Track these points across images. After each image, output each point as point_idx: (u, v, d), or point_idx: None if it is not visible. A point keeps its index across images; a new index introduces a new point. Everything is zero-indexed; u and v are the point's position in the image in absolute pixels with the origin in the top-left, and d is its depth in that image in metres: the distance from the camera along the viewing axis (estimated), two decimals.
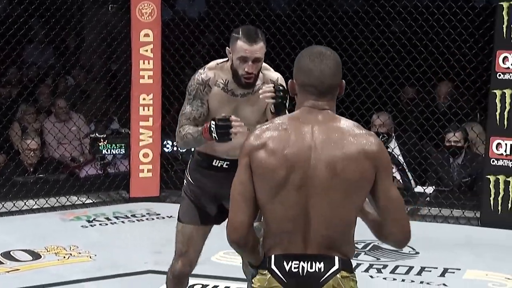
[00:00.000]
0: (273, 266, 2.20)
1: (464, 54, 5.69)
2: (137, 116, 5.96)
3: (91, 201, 5.93)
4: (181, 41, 6.26)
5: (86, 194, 5.96)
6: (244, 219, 2.19)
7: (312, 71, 2.18)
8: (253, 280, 2.24)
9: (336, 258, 2.20)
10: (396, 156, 6.13)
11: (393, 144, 6.20)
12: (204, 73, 3.19)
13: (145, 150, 5.99)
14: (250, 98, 3.16)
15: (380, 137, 6.10)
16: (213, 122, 3.05)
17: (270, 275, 2.20)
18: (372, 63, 5.93)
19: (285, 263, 2.19)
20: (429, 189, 5.94)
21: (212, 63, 3.22)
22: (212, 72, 3.18)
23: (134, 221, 5.50)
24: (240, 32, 3.09)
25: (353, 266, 2.26)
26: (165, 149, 6.18)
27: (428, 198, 5.85)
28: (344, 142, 2.16)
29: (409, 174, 6.13)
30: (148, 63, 5.94)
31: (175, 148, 6.35)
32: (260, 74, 3.16)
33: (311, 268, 2.19)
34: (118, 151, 6.17)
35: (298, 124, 2.19)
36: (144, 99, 5.94)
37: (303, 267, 2.19)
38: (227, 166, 3.20)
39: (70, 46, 6.16)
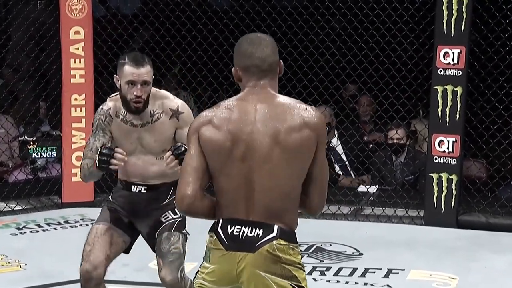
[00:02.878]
0: (219, 229, 2.44)
1: (405, 49, 5.79)
2: (69, 117, 5.89)
3: (21, 208, 5.83)
4: (114, 38, 6.21)
5: (16, 200, 5.86)
6: (190, 190, 2.44)
7: (253, 53, 2.46)
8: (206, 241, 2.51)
9: (276, 227, 2.41)
10: (339, 154, 6.20)
11: (335, 141, 6.27)
12: (105, 104, 3.42)
13: (78, 153, 5.90)
14: (151, 128, 3.33)
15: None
16: (98, 153, 3.25)
17: (215, 237, 2.45)
18: (312, 60, 5.97)
19: (229, 227, 2.43)
20: (372, 188, 6.03)
21: (115, 94, 3.44)
22: (113, 102, 3.40)
23: (67, 228, 5.44)
24: (127, 58, 3.33)
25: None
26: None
27: (371, 198, 5.93)
28: (286, 115, 2.40)
29: (351, 172, 6.21)
30: (80, 62, 5.88)
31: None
32: (160, 102, 3.37)
33: (250, 233, 2.42)
34: (49, 154, 6.09)
35: (241, 102, 2.45)
36: (75, 99, 5.88)
37: (243, 232, 2.42)
38: (145, 191, 3.42)
39: None
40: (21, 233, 5.28)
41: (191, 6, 6.19)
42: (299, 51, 6.01)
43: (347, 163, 6.21)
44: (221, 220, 2.45)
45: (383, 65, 5.79)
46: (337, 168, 6.23)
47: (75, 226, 5.47)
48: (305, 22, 5.97)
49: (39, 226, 5.44)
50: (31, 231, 5.32)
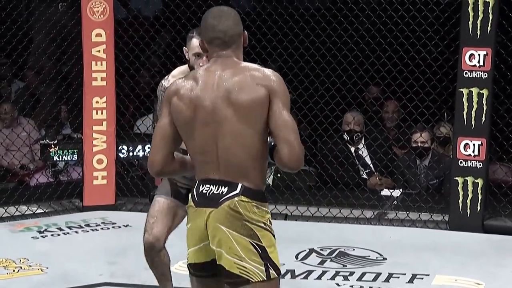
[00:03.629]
0: (194, 189, 2.71)
1: (430, 51, 5.75)
2: (90, 120, 5.91)
3: (42, 211, 5.86)
4: (136, 41, 6.22)
5: (37, 204, 5.89)
6: (159, 156, 2.73)
7: (215, 26, 2.68)
8: None
9: (240, 185, 2.62)
10: (363, 158, 6.18)
11: (361, 145, 6.26)
12: (166, 80, 3.66)
13: (99, 156, 5.94)
14: None
15: (355, 136, 6.18)
16: None
17: (190, 196, 2.72)
18: (335, 62, 5.95)
19: (201, 186, 2.68)
20: (396, 192, 6.00)
21: (175, 71, 3.70)
22: (173, 79, 3.53)
23: (88, 231, 5.45)
24: (195, 32, 3.59)
25: (264, 196, 2.66)
26: (120, 154, 6.14)
27: (395, 202, 5.89)
28: (240, 77, 2.63)
29: (376, 174, 6.18)
30: (101, 65, 5.90)
31: (130, 154, 6.31)
32: None
33: (216, 190, 2.65)
34: (70, 157, 6.10)
35: (205, 72, 2.70)
36: (97, 102, 5.90)
37: (211, 189, 2.66)
38: None
39: (17, 47, 6.07)
40: (42, 236, 5.31)
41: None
42: (321, 53, 6.00)
43: (371, 166, 6.19)
44: (197, 182, 2.71)
45: (407, 67, 5.75)
46: (362, 173, 6.20)
47: (96, 230, 5.48)
48: (328, 23, 5.95)
49: (60, 229, 5.46)
50: (52, 235, 5.35)
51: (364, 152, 6.26)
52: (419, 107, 5.81)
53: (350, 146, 6.27)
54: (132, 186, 6.06)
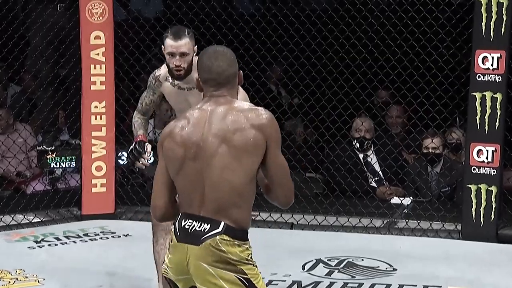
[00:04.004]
0: (176, 223, 2.80)
1: (442, 54, 5.74)
2: (89, 125, 5.90)
3: (39, 220, 5.84)
4: (136, 43, 6.22)
5: (34, 212, 5.87)
6: (162, 202, 2.87)
7: (210, 68, 2.82)
8: None
9: (222, 223, 2.72)
10: (372, 165, 6.16)
11: (370, 151, 6.24)
12: (158, 70, 4.09)
13: (98, 163, 5.93)
14: (196, 92, 3.60)
15: (366, 143, 6.17)
16: (134, 144, 4.09)
17: (173, 229, 2.82)
18: (343, 65, 5.95)
19: (183, 221, 2.78)
20: (407, 200, 5.98)
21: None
22: (165, 69, 4.03)
23: (87, 241, 5.44)
24: (169, 31, 3.91)
25: (247, 236, 2.75)
26: (120, 161, 6.14)
27: (405, 210, 5.87)
28: (234, 116, 2.75)
29: (385, 184, 6.17)
30: (100, 68, 5.89)
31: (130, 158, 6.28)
32: None
33: (199, 227, 2.74)
34: (68, 164, 6.10)
35: (198, 110, 2.83)
36: (96, 107, 5.89)
37: (193, 226, 2.75)
38: None
39: (13, 50, 6.07)
40: (39, 246, 5.29)
41: (216, 10, 6.18)
42: (329, 56, 5.99)
43: (380, 173, 6.17)
44: (179, 215, 2.81)
45: (418, 70, 5.74)
46: (371, 181, 6.19)
47: (95, 239, 5.47)
48: (335, 25, 5.94)
49: (57, 239, 5.45)
50: (49, 245, 5.33)
51: (373, 158, 6.25)
52: (430, 112, 5.80)
53: (358, 153, 6.25)
54: (132, 194, 6.04)
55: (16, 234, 5.56)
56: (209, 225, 2.73)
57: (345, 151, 6.17)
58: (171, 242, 2.81)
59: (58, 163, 6.08)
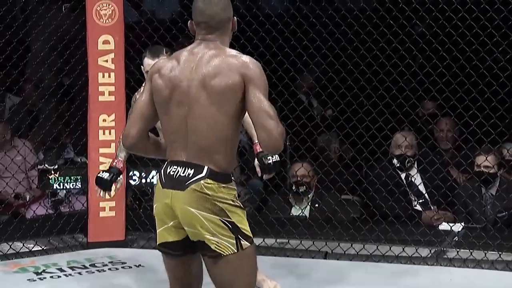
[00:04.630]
0: (161, 170, 3.25)
1: (496, 60, 5.69)
2: (96, 141, 5.90)
3: (39, 248, 5.85)
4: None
5: (34, 240, 5.88)
6: (135, 130, 3.31)
7: (203, 11, 3.21)
8: None
9: (205, 168, 3.16)
10: (417, 186, 6.11)
11: (413, 170, 6.20)
12: (140, 90, 4.33)
13: None
14: None
15: (407, 161, 6.13)
16: (110, 168, 4.51)
17: (157, 176, 3.28)
18: (383, 72, 5.91)
19: (168, 167, 3.22)
20: (457, 227, 5.92)
21: None
22: None
23: (93, 272, 5.42)
24: (147, 51, 4.46)
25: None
26: (131, 181, 6.15)
27: (456, 238, 5.82)
28: (218, 62, 3.14)
29: (432, 207, 6.12)
30: (109, 76, 5.90)
31: (143, 180, 6.31)
32: None
33: (183, 173, 3.18)
34: (73, 185, 6.12)
35: (188, 53, 3.23)
36: (104, 120, 5.90)
37: (178, 171, 3.19)
38: None
39: (11, 56, 6.10)
40: (40, 278, 5.28)
41: (239, 10, 6.18)
42: (367, 62, 5.96)
43: (426, 195, 6.13)
44: (166, 162, 3.25)
45: (469, 78, 5.69)
46: (415, 203, 6.14)
47: (103, 271, 5.45)
48: (375, 27, 5.91)
49: (61, 270, 5.44)
50: (51, 276, 5.32)
51: (417, 179, 6.21)
52: (484, 125, 5.74)
53: (400, 172, 6.21)
54: (145, 219, 6.02)
55: (14, 264, 5.56)
56: (192, 170, 3.17)
57: (386, 170, 6.13)
58: (155, 189, 3.26)
59: (61, 184, 6.10)
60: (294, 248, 5.76)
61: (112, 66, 5.89)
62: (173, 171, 3.20)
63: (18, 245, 5.80)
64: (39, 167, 6.32)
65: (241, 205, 3.21)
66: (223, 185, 3.17)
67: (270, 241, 5.83)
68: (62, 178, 6.10)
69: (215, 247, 3.17)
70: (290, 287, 5.00)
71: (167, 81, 3.21)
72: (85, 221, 5.99)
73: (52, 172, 6.09)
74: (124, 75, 5.92)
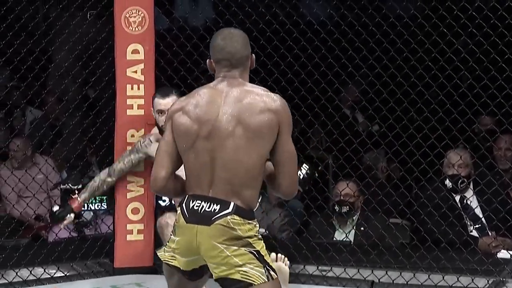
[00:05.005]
0: (183, 204, 3.44)
1: None
2: None
3: (62, 274, 5.87)
4: (181, 58, 6.22)
5: (56, 265, 5.90)
6: (164, 173, 3.50)
7: (224, 48, 3.50)
8: None
9: (232, 204, 3.39)
10: (473, 209, 6.03)
11: (469, 192, 6.12)
12: (150, 133, 5.31)
13: (134, 204, 5.93)
14: None
15: (460, 181, 6.05)
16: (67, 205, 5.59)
17: (180, 211, 3.45)
18: (435, 85, 5.84)
19: (191, 202, 3.42)
20: None
21: (153, 130, 5.39)
22: (156, 130, 5.36)
23: None
24: (156, 91, 5.32)
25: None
26: (160, 202, 6.10)
27: None
28: (250, 99, 3.42)
29: (489, 233, 6.04)
30: (138, 89, 5.90)
31: (173, 201, 6.28)
32: None
33: (208, 208, 3.39)
34: (98, 206, 6.10)
35: (211, 90, 3.49)
36: (132, 136, 5.90)
37: (202, 206, 3.40)
38: None
39: (33, 66, 6.12)
40: None
41: (278, 18, 6.16)
42: (418, 74, 5.89)
43: (483, 220, 6.04)
44: (187, 196, 3.45)
45: None
46: (471, 229, 6.06)
47: None
48: (427, 36, 5.84)
49: None
50: None
51: (473, 201, 6.13)
52: None
53: (454, 194, 6.14)
54: None
55: None
56: (219, 206, 3.39)
57: (438, 191, 6.05)
58: (177, 223, 3.46)
59: (86, 205, 6.07)
60: (337, 276, 5.74)
61: (142, 78, 5.90)
62: (197, 206, 3.41)
63: (39, 270, 5.82)
64: (62, 186, 6.30)
65: (261, 238, 3.46)
66: (248, 221, 3.41)
67: (311, 268, 5.80)
68: None
69: (244, 277, 3.37)
70: None
71: (193, 117, 3.43)
72: (111, 245, 6.00)
73: (76, 192, 6.06)
74: (154, 87, 5.91)
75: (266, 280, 3.38)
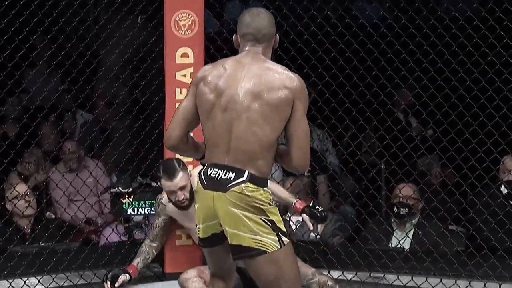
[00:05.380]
0: (202, 173, 3.75)
1: None
2: None
3: None
4: None
5: (106, 269, 5.82)
6: (177, 132, 3.80)
7: (250, 23, 3.76)
8: None
9: (246, 172, 3.65)
10: None
11: None
12: (160, 194, 5.57)
13: None
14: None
15: None
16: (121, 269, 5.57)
17: (198, 178, 3.78)
18: (492, 89, 5.70)
19: (208, 170, 3.72)
20: None
21: (163, 194, 5.51)
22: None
23: None
24: (161, 171, 5.17)
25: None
26: None
27: None
28: (269, 76, 3.68)
29: None
30: (188, 93, 5.84)
31: None
32: None
33: (224, 175, 3.67)
34: (148, 210, 6.08)
35: (235, 63, 3.75)
36: None
37: (219, 174, 3.68)
38: None
39: (84, 70, 6.12)
40: None
41: (330, 20, 6.08)
42: (474, 78, 5.76)
43: None
44: (206, 165, 3.76)
45: None
46: None
47: None
48: (483, 39, 5.70)
49: None
50: None
51: None
52: None
53: (511, 201, 6.00)
54: None
55: None
56: (234, 174, 3.66)
57: (494, 198, 5.93)
58: (195, 190, 3.81)
59: (136, 209, 6.07)
60: (391, 284, 5.68)
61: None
62: (214, 173, 3.69)
63: (89, 275, 5.81)
64: (112, 190, 6.31)
65: (276, 207, 3.74)
66: (262, 188, 3.67)
67: (363, 275, 5.71)
68: (137, 202, 6.08)
69: (258, 245, 3.65)
70: None
71: (214, 88, 3.70)
72: (161, 250, 5.92)
73: (126, 196, 6.06)
74: None
75: (279, 247, 3.67)
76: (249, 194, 3.64)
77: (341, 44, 5.97)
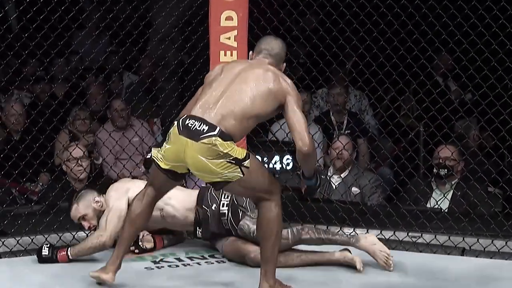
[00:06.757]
0: (180, 120, 4.27)
1: None
2: None
3: None
4: (275, 25, 6.16)
5: None
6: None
7: (267, 43, 4.52)
8: None
9: (218, 128, 4.18)
10: None
11: None
12: None
13: None
14: None
15: None
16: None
17: (176, 124, 4.27)
18: None
19: (187, 120, 4.24)
20: None
21: None
22: None
23: (213, 263, 5.39)
24: (75, 199, 5.33)
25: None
26: (258, 156, 6.10)
27: None
28: (267, 73, 4.35)
29: None
30: (231, 55, 5.87)
31: (266, 166, 6.25)
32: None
33: (199, 127, 4.18)
34: None
35: (246, 61, 4.55)
36: None
37: (194, 125, 4.19)
38: None
39: (131, 32, 6.14)
40: (158, 267, 5.27)
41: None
42: None
43: None
44: (185, 115, 4.29)
45: None
46: None
47: (223, 262, 5.39)
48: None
49: (179, 260, 5.42)
50: (170, 266, 5.32)
51: None
52: None
53: None
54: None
55: (131, 253, 5.57)
56: (207, 127, 4.16)
57: None
58: (170, 133, 4.25)
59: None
60: (428, 243, 5.66)
61: (235, 44, 5.86)
62: (190, 124, 4.19)
63: None
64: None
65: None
66: (229, 142, 4.18)
67: (401, 235, 5.71)
68: None
69: (223, 179, 4.21)
70: (423, 285, 4.89)
71: (220, 71, 4.43)
72: None
73: None
74: (247, 54, 5.84)
75: (242, 175, 4.21)
76: (217, 145, 4.14)
77: (382, 8, 5.94)
